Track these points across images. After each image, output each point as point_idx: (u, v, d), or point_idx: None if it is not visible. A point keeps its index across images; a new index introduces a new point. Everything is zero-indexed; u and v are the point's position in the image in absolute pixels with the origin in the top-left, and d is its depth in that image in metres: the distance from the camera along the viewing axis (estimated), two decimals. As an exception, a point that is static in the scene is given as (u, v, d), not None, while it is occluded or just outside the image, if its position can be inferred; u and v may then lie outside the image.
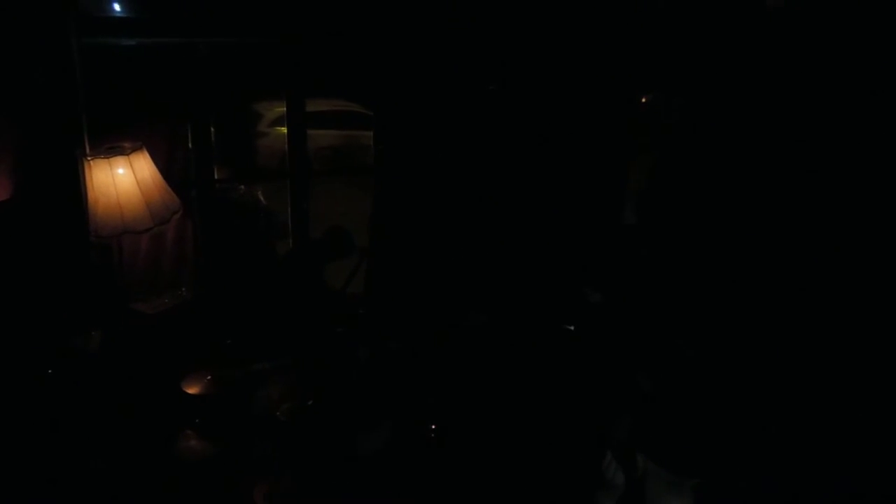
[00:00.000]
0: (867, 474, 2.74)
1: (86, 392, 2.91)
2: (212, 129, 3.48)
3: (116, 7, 3.12)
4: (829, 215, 3.30)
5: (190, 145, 3.34)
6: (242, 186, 4.10)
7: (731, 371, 2.78)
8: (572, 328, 3.70)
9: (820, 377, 3.06)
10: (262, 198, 4.43)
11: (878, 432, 2.83)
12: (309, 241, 3.81)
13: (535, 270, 4.03)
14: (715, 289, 3.56)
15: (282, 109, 4.32)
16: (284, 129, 3.86)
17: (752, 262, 3.58)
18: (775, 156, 3.59)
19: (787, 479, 2.75)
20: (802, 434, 2.90)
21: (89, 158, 2.92)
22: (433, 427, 3.31)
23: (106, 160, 2.92)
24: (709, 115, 3.94)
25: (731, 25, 3.71)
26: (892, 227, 3.05)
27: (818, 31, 3.35)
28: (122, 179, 2.93)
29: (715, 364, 2.67)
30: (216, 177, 3.60)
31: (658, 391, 2.55)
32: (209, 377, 3.16)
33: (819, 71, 3.37)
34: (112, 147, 2.97)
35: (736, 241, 3.73)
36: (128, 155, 2.95)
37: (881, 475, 2.74)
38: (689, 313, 3.39)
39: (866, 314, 3.08)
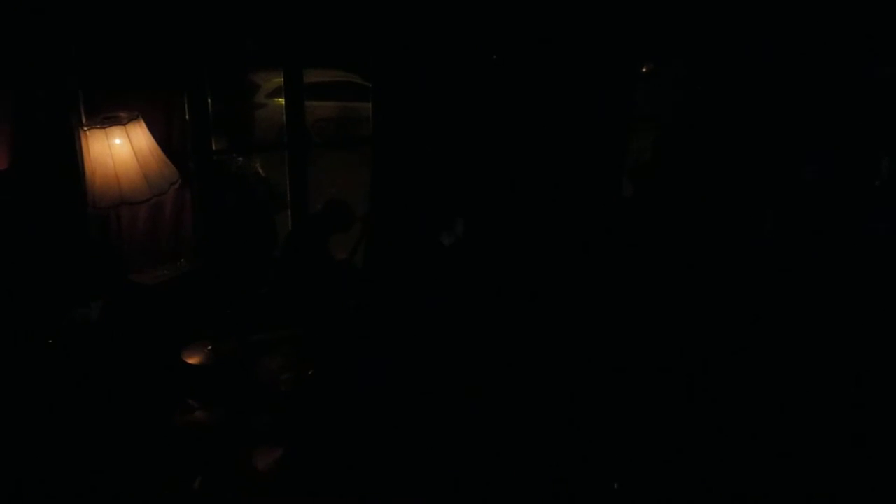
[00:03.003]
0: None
1: (86, 362, 2.93)
2: (209, 100, 3.45)
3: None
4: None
5: (187, 116, 3.31)
6: (241, 158, 4.09)
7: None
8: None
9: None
10: (260, 169, 4.42)
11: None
12: (309, 216, 3.80)
13: (536, 244, 4.03)
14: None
15: (279, 80, 4.28)
16: (283, 101, 3.83)
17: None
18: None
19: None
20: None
21: (85, 129, 2.90)
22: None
23: (102, 130, 2.89)
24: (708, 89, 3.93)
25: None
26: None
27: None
28: (119, 150, 2.90)
29: None
30: (214, 148, 3.57)
31: None
32: (209, 347, 3.18)
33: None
34: (108, 117, 2.94)
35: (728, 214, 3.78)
36: (125, 125, 2.92)
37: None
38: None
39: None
